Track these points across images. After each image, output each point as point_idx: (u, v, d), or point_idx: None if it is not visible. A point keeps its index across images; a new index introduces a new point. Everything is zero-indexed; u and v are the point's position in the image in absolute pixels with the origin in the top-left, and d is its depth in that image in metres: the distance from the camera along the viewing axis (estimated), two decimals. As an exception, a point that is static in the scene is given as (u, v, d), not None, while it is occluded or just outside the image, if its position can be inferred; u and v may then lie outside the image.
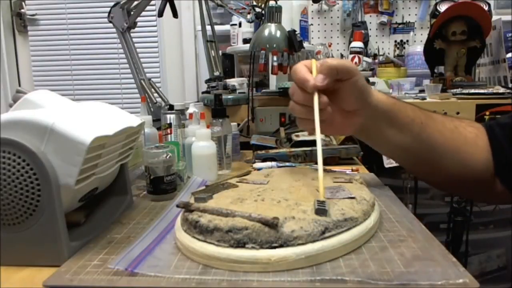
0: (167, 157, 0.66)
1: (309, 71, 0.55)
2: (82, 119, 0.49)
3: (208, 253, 0.42)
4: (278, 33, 1.12)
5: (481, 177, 0.61)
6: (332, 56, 2.08)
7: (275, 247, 0.40)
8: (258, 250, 0.40)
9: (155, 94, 1.21)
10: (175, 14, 1.20)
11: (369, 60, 1.97)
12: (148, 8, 1.21)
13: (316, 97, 0.53)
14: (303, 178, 0.59)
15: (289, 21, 1.63)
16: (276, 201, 0.48)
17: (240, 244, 0.41)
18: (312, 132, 0.56)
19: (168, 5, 1.17)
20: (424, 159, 0.62)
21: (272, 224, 0.41)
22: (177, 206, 0.49)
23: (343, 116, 0.58)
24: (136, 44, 1.21)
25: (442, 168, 0.61)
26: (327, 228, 0.42)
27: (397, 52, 2.16)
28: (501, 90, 1.30)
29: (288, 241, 0.41)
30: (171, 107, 0.98)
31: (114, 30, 1.20)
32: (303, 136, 0.92)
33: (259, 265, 0.40)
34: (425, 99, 1.33)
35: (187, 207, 0.47)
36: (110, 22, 1.19)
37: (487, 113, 1.20)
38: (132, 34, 1.20)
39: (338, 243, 0.42)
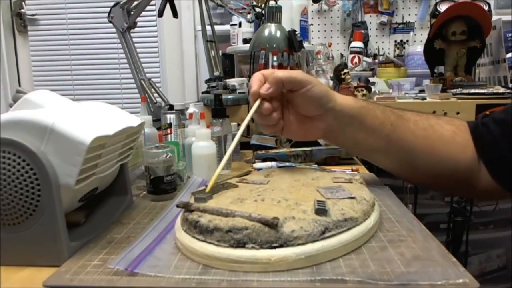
0: (167, 157, 0.66)
1: (263, 80, 0.58)
2: (82, 119, 0.49)
3: (208, 253, 0.42)
4: (278, 33, 1.12)
5: (461, 174, 0.60)
6: (332, 57, 2.08)
7: (275, 247, 0.40)
8: (258, 250, 0.40)
9: (155, 94, 1.21)
10: (175, 14, 1.20)
11: (369, 60, 1.97)
12: (148, 8, 1.21)
13: (256, 103, 0.58)
14: (303, 178, 0.59)
15: (289, 21, 1.63)
16: (276, 201, 0.48)
17: (240, 244, 0.41)
18: (269, 133, 0.65)
19: (168, 5, 1.17)
20: (399, 159, 0.62)
21: (272, 224, 0.41)
22: (177, 206, 0.49)
23: (301, 122, 0.61)
24: (136, 44, 1.21)
25: (418, 167, 0.61)
26: (327, 228, 0.42)
27: (397, 52, 2.16)
28: (501, 90, 1.30)
29: (288, 241, 0.41)
30: (171, 107, 0.98)
31: (114, 30, 1.20)
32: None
33: (259, 265, 0.40)
34: (425, 99, 1.33)
35: (187, 207, 0.47)
36: (110, 22, 1.18)
37: (487, 113, 1.20)
38: (132, 34, 1.20)
39: (338, 243, 0.42)
